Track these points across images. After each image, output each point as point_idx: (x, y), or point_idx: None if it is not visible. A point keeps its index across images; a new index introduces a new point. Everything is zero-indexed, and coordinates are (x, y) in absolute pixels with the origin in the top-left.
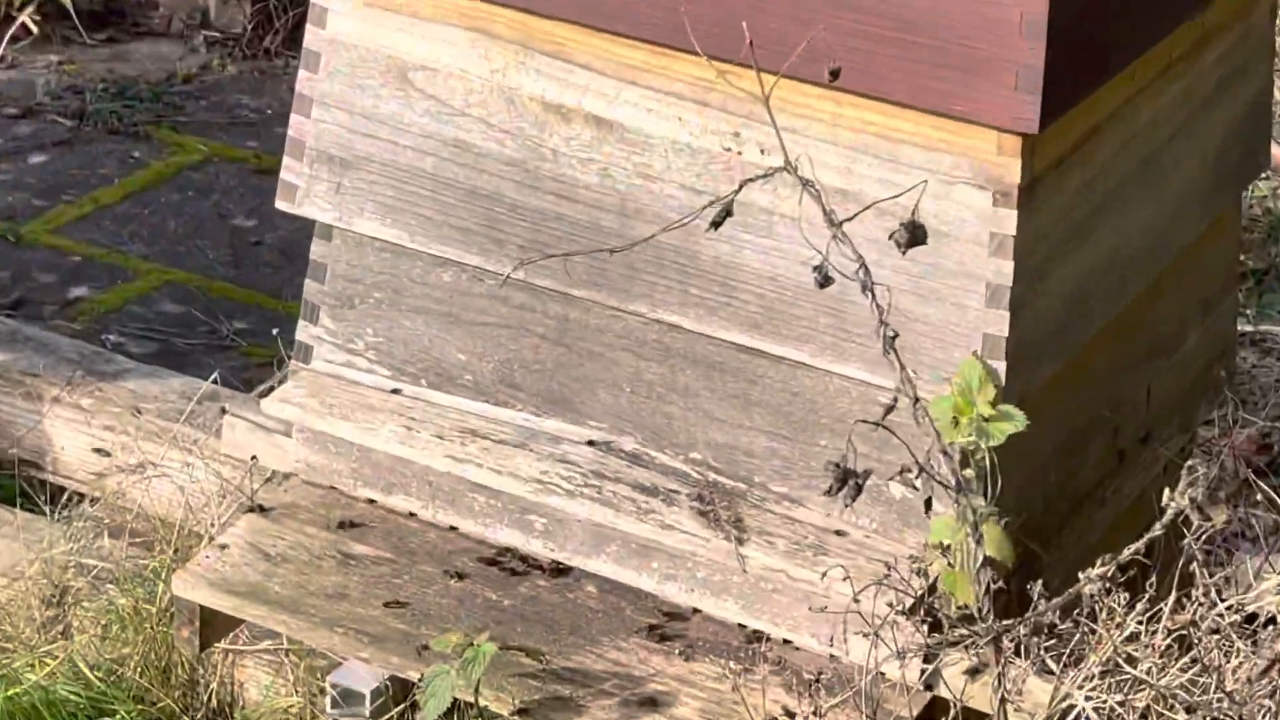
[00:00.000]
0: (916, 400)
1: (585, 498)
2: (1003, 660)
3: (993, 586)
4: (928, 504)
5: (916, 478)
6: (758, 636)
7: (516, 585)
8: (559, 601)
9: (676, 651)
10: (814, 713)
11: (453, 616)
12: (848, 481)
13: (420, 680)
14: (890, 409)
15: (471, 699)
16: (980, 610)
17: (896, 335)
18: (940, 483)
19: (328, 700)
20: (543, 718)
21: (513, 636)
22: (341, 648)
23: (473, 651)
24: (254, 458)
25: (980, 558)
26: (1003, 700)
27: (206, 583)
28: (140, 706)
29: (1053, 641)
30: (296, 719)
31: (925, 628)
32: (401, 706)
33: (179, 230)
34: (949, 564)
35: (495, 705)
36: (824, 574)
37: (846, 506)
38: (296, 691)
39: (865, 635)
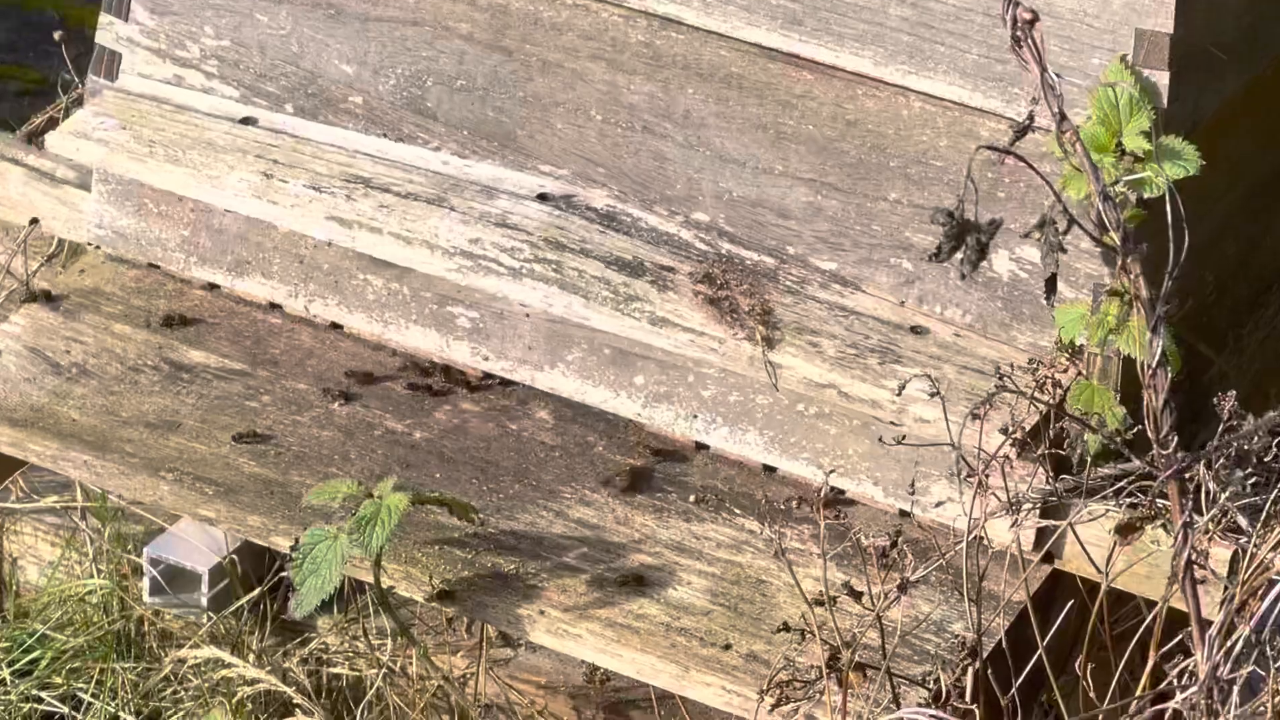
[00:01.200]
0: (1062, 119)
1: (537, 279)
2: (1188, 507)
3: (1170, 407)
4: (1050, 284)
5: (1063, 234)
6: (792, 483)
7: (433, 411)
8: (496, 435)
9: (672, 507)
10: (887, 593)
11: (338, 457)
12: (965, 238)
13: (293, 550)
14: (1024, 130)
15: (369, 577)
16: (1158, 434)
17: (1035, 17)
18: (1103, 242)
19: (145, 583)
20: (475, 604)
21: (429, 486)
22: (173, 502)
23: (371, 506)
24: (34, 221)
25: (1156, 352)
26: (1189, 567)
27: None
28: None
29: (1243, 488)
30: (98, 609)
31: (1048, 468)
32: (259, 590)
33: None
34: (1082, 373)
35: (405, 586)
36: (900, 388)
37: (964, 277)
38: (98, 571)
39: (958, 480)
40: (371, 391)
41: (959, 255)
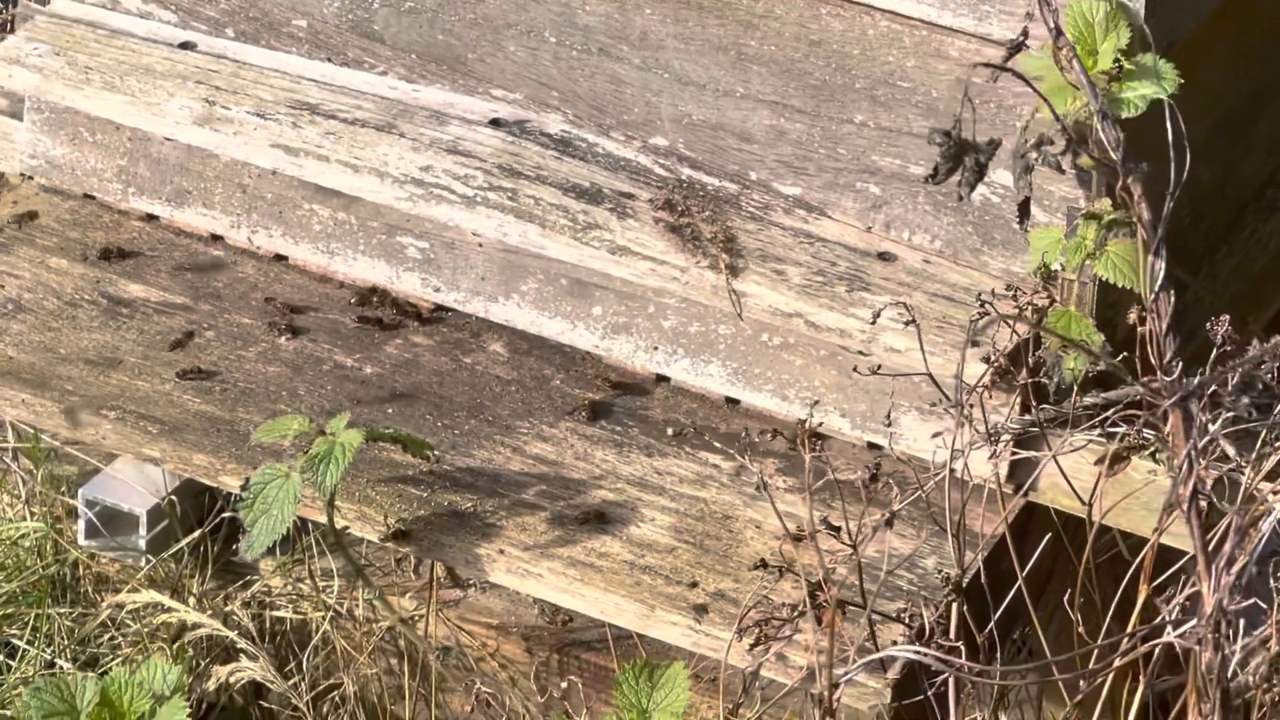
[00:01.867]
0: (1058, 34)
1: (491, 207)
2: (1194, 434)
3: (1174, 332)
4: (1024, 207)
5: (1060, 154)
6: (756, 416)
7: (383, 345)
8: (449, 368)
9: (633, 441)
10: (865, 527)
11: (286, 393)
12: (963, 158)
13: (244, 489)
14: (1018, 47)
15: (321, 517)
16: (1161, 360)
17: None
18: (1102, 162)
19: (80, 525)
20: (432, 544)
21: (381, 422)
22: (115, 441)
23: (323, 444)
24: None
25: (1159, 276)
26: (1194, 497)
27: None
28: None
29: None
30: (31, 553)
31: (1030, 397)
32: (200, 532)
33: None
34: (1056, 300)
35: (359, 527)
36: (874, 316)
37: (962, 199)
38: (30, 514)
39: (931, 411)
40: (320, 324)
41: (956, 177)
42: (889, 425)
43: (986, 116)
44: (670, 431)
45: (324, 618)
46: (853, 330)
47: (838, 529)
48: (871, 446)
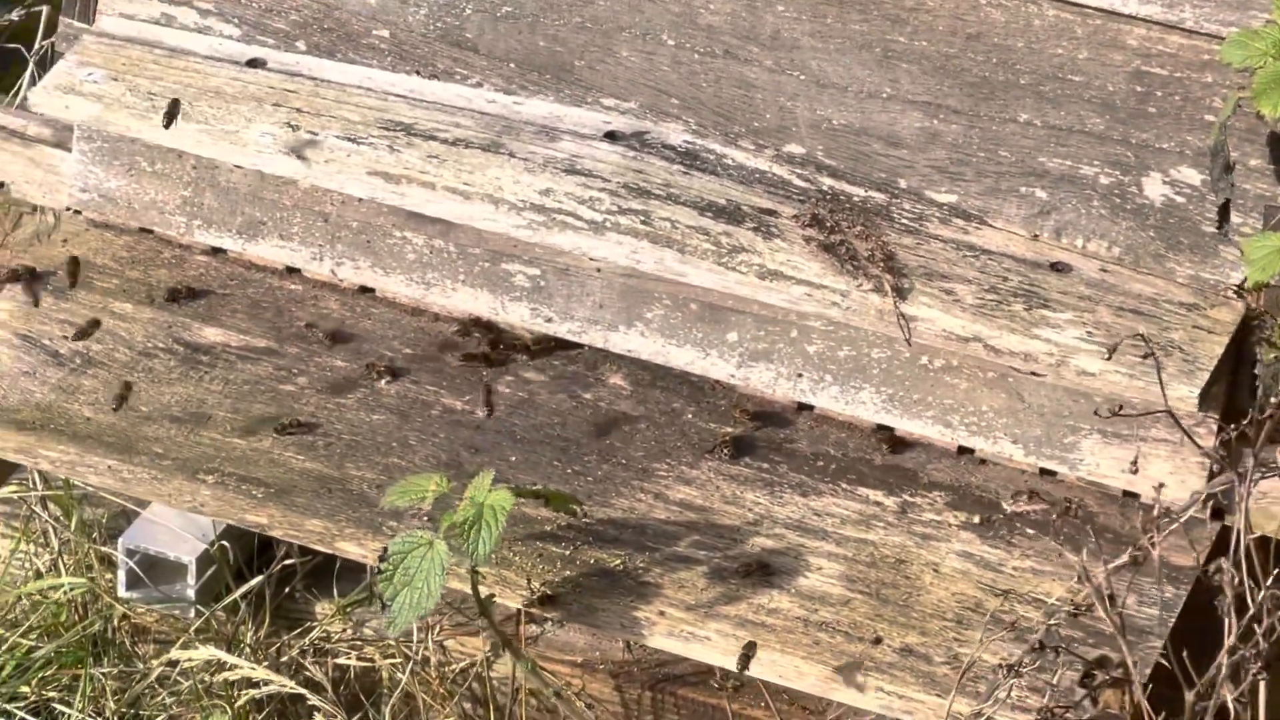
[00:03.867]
0: None
1: (623, 232)
2: None
3: None
4: (1224, 211)
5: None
6: (905, 444)
7: (493, 384)
8: (569, 406)
9: (783, 480)
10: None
11: (396, 444)
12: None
13: (382, 560)
14: None
15: (459, 584)
16: None
17: None
18: None
19: (120, 576)
20: (582, 608)
21: (504, 472)
22: (215, 508)
23: (470, 508)
24: (1, 185)
25: None
26: None
27: None
28: None
29: None
30: (67, 607)
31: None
32: (261, 579)
33: None
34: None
35: (501, 592)
36: (1110, 351)
37: (1222, 227)
38: (64, 566)
39: (1115, 435)
40: (419, 362)
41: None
42: (1135, 471)
43: (1170, 111)
44: (787, 479)
45: (397, 666)
46: (1038, 354)
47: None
48: (1044, 473)
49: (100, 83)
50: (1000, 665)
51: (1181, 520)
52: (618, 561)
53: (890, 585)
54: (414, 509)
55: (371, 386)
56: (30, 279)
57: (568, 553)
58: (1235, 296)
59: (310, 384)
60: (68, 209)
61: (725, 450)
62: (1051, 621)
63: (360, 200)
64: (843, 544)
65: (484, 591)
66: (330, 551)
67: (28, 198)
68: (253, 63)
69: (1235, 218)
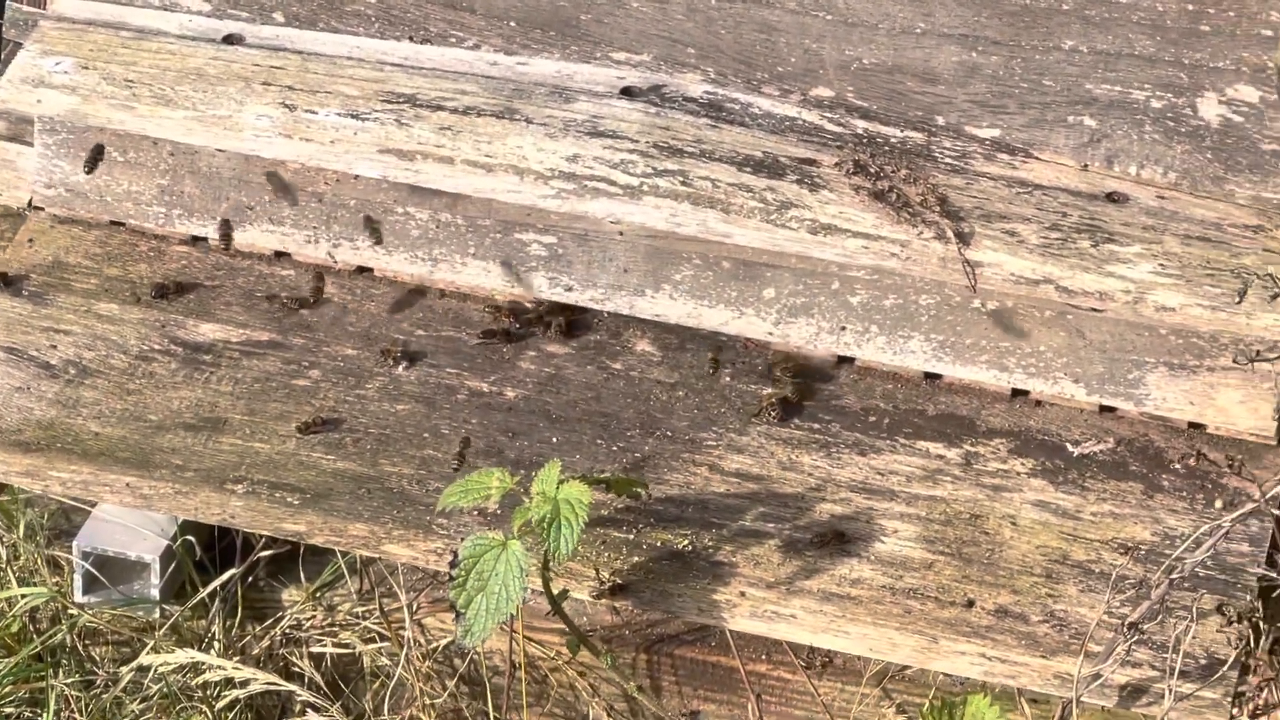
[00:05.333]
0: None
1: (662, 195)
2: None
3: None
4: None
5: None
6: (961, 391)
7: (516, 361)
8: (601, 379)
9: (838, 439)
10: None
11: (429, 434)
12: None
13: (453, 566)
14: None
15: (538, 584)
16: None
17: None
18: None
19: (76, 580)
20: (656, 594)
21: (546, 454)
22: (248, 519)
23: (544, 504)
24: None
25: None
26: None
27: None
28: None
29: None
30: (18, 619)
31: None
32: (233, 573)
33: None
34: None
35: (570, 585)
36: (1240, 295)
37: None
38: (13, 573)
39: (1183, 366)
40: (435, 343)
41: None
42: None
43: (1225, 28)
44: (841, 438)
45: (380, 650)
46: (1114, 292)
47: (1170, 539)
48: (1103, 409)
49: (71, 73)
50: (1121, 624)
51: None
52: (684, 542)
53: (971, 543)
54: (476, 508)
55: (389, 373)
56: (4, 284)
57: (631, 537)
58: None
59: (324, 376)
60: (31, 206)
61: (773, 413)
62: (1174, 575)
63: (356, 177)
64: (913, 503)
65: (555, 588)
66: (376, 555)
67: None
68: (229, 39)
69: None
